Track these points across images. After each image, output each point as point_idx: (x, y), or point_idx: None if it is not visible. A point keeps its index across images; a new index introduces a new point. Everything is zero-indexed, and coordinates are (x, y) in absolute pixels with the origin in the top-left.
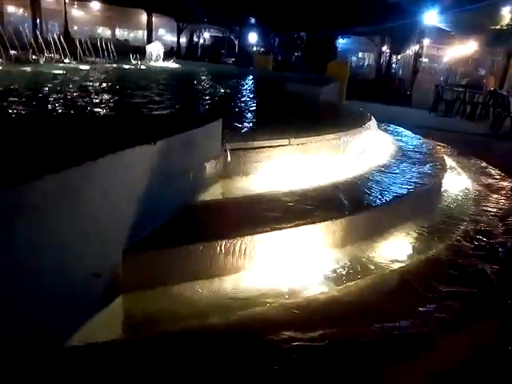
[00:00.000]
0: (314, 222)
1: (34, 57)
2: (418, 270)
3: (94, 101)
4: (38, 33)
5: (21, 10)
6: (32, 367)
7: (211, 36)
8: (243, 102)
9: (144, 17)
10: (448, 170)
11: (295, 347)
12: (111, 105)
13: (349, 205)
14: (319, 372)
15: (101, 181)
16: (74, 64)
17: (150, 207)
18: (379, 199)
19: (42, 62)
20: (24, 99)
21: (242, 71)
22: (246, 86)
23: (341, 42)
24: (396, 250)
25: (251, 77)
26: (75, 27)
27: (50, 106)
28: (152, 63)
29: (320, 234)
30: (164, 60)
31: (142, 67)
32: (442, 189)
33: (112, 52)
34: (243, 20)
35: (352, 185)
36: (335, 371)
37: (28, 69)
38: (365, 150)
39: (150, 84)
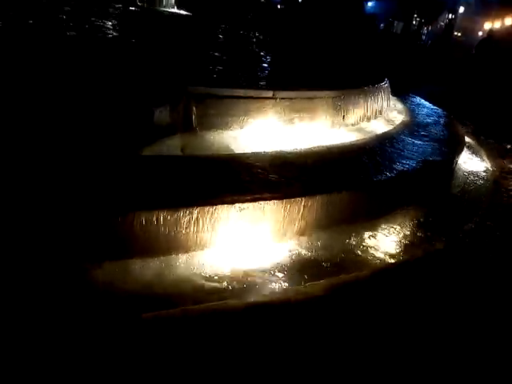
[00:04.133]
0: (279, 198)
1: None
2: (403, 272)
3: None
4: None
5: None
6: None
7: None
8: (234, 48)
9: None
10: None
11: None
12: None
13: (334, 179)
14: None
15: None
16: None
17: None
18: (374, 175)
19: None
20: None
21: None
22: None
23: (369, 5)
24: (386, 242)
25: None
26: None
27: None
28: (160, 8)
29: (285, 213)
30: (175, 7)
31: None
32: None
33: None
34: None
35: (344, 155)
36: None
37: None
38: (370, 116)
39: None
